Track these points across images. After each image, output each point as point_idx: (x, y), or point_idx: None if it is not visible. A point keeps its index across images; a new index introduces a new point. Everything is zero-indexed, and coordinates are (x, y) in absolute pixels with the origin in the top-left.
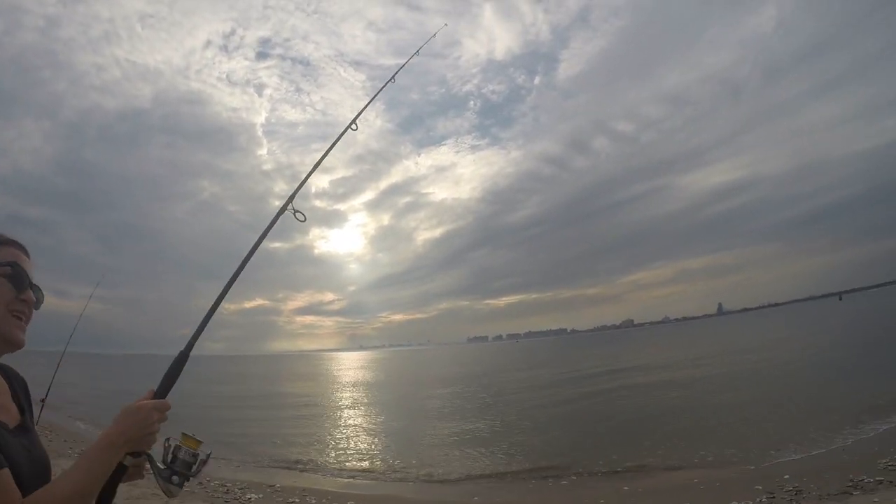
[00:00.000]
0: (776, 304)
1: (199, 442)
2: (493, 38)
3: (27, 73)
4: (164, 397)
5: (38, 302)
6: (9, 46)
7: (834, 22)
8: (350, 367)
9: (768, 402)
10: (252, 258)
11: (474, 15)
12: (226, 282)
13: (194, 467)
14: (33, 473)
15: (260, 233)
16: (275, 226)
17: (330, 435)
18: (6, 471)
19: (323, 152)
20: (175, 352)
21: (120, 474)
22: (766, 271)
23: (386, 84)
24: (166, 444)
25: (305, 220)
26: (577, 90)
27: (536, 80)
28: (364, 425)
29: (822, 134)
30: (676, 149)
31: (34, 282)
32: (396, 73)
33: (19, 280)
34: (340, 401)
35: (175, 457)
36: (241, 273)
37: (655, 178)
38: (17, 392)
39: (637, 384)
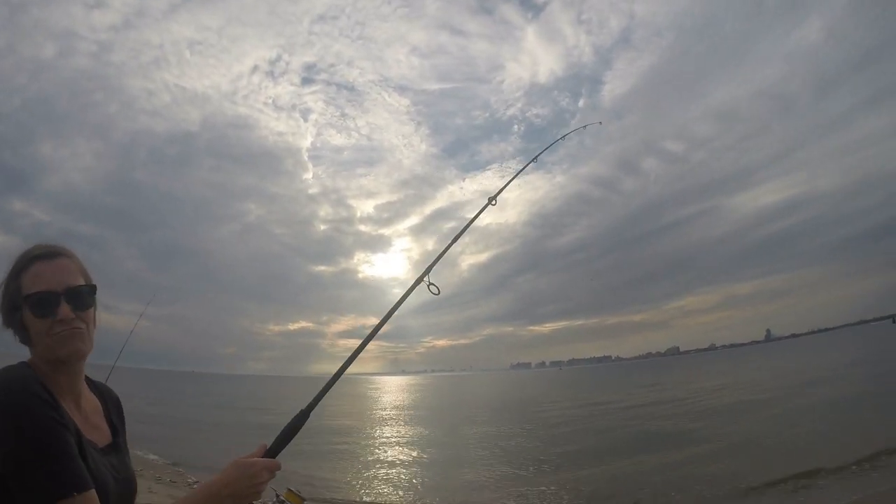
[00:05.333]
0: (826, 329)
1: (303, 500)
2: (536, 61)
3: (80, 96)
4: (275, 456)
5: (82, 299)
6: (63, 69)
7: (885, 27)
8: (393, 393)
9: (815, 434)
10: (304, 283)
11: (517, 38)
12: (276, 307)
13: None
14: (119, 495)
15: (308, 256)
16: (320, 249)
17: (368, 467)
18: (92, 492)
19: (454, 234)
20: (219, 370)
21: None
22: (815, 294)
23: (527, 164)
24: (275, 500)
25: (439, 293)
26: (624, 111)
27: (581, 103)
28: (403, 458)
29: (876, 147)
30: (727, 168)
31: (72, 283)
32: (539, 154)
33: (42, 307)
34: (383, 432)
35: None
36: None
37: (705, 199)
38: (109, 410)
39: (685, 413)
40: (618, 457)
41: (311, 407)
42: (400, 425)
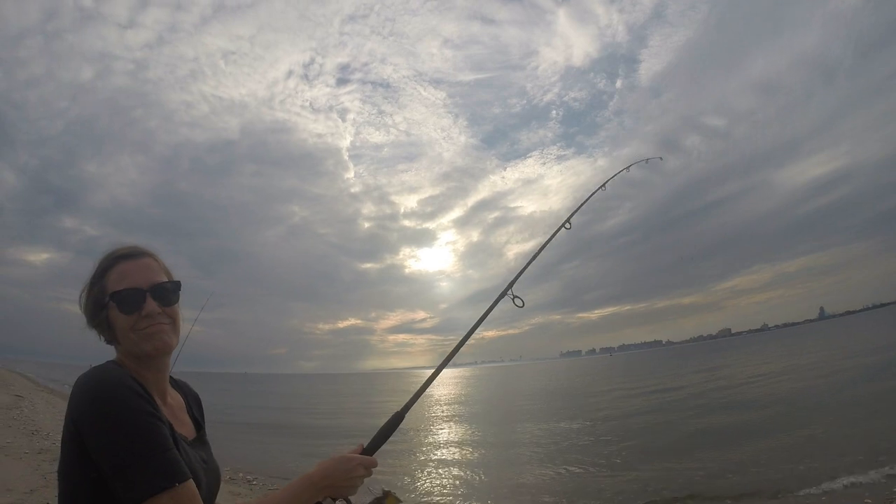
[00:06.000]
0: (883, 305)
1: (400, 501)
2: (569, 43)
3: (121, 114)
4: (372, 454)
5: (167, 295)
6: (102, 90)
7: None
8: (444, 387)
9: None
10: (351, 281)
11: (548, 22)
12: (325, 306)
13: None
14: (209, 487)
15: (354, 254)
16: (366, 246)
17: (420, 468)
18: (192, 482)
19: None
20: (271, 370)
21: None
22: (869, 269)
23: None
24: (375, 500)
25: (523, 306)
26: (662, 88)
27: (618, 83)
28: (455, 458)
29: None
30: (771, 141)
31: (157, 280)
32: (607, 182)
33: (128, 304)
34: (434, 430)
35: None
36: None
37: (749, 174)
38: (191, 406)
39: (743, 402)
40: (673, 454)
41: (406, 408)
42: (451, 423)
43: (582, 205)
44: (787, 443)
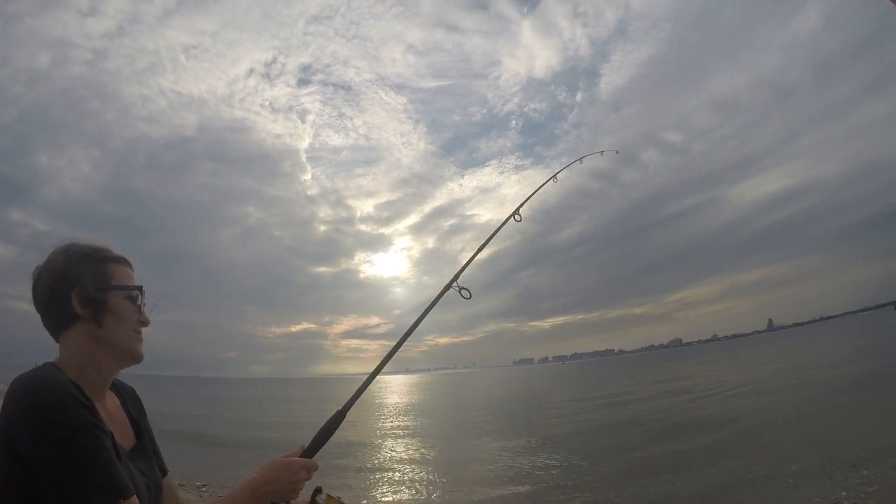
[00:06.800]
0: (829, 318)
1: (336, 499)
2: (532, 55)
3: (76, 105)
4: (312, 456)
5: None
6: (58, 79)
7: (885, 11)
8: (396, 395)
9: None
10: (305, 284)
11: (513, 33)
12: (278, 309)
13: None
14: (150, 498)
15: (308, 258)
16: (320, 250)
17: (374, 491)
18: (135, 498)
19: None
20: (222, 374)
21: None
22: (817, 283)
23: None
24: (314, 501)
25: (471, 297)
26: (622, 103)
27: (578, 97)
28: (410, 478)
29: (875, 134)
30: (727, 158)
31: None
32: (558, 172)
33: (140, 301)
34: (386, 445)
35: None
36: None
37: (705, 190)
38: (128, 406)
39: (705, 418)
40: (627, 472)
41: (346, 408)
42: (402, 437)
43: (532, 195)
44: (744, 452)
